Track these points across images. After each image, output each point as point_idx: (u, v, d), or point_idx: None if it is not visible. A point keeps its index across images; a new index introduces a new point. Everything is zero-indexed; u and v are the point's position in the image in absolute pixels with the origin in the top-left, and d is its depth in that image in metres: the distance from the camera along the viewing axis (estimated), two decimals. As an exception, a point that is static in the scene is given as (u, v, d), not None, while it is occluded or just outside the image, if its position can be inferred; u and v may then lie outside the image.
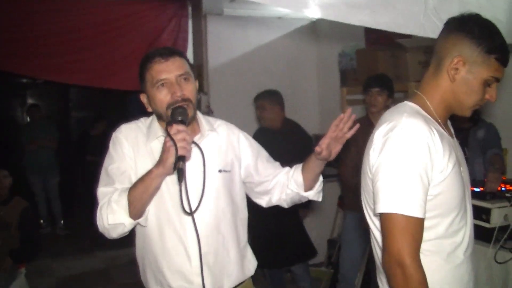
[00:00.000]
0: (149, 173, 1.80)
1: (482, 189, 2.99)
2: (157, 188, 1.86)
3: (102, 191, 1.91)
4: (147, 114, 2.10)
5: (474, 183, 3.09)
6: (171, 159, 1.73)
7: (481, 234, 2.86)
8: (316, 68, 6.33)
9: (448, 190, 1.58)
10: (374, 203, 1.59)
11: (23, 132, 7.66)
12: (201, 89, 5.83)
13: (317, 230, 5.49)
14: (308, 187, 2.15)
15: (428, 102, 1.68)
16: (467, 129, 3.62)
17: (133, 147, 1.99)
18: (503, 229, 2.82)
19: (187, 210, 1.79)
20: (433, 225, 1.59)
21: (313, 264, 5.42)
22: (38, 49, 4.86)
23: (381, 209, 1.54)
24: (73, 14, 4.90)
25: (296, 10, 2.15)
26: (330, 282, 4.63)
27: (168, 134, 1.74)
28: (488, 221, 2.83)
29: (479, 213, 2.86)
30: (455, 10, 1.68)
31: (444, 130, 1.67)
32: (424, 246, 1.56)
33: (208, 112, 5.41)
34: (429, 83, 1.70)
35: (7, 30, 4.69)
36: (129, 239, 2.02)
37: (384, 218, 1.54)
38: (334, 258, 4.88)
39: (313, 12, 2.06)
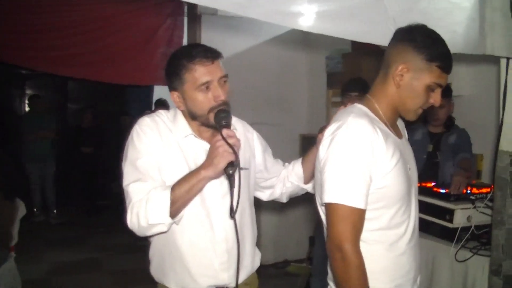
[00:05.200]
0: (196, 173, 1.78)
1: (447, 191, 3.10)
2: (201, 189, 1.84)
3: (134, 187, 1.83)
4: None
5: (442, 185, 3.23)
6: (223, 163, 1.73)
7: (445, 234, 3.02)
8: (306, 70, 6.38)
9: (391, 184, 1.70)
10: (321, 194, 1.72)
11: (23, 122, 7.76)
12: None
13: (300, 228, 5.68)
14: (308, 180, 2.24)
15: (376, 105, 1.80)
16: (440, 134, 3.75)
17: (161, 139, 1.93)
18: (465, 229, 2.94)
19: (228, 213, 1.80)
20: (377, 216, 1.72)
21: (295, 261, 5.59)
22: (38, 42, 4.98)
23: (326, 199, 1.67)
24: (71, 9, 5.02)
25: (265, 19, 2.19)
26: (307, 277, 4.73)
27: (224, 139, 1.72)
28: (451, 221, 2.95)
29: (443, 214, 3.00)
30: (414, 20, 1.72)
31: (390, 130, 1.79)
32: (368, 235, 1.71)
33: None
34: (378, 88, 1.82)
35: (8, 23, 4.81)
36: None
37: (328, 207, 1.68)
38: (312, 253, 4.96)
39: (284, 22, 2.17)
